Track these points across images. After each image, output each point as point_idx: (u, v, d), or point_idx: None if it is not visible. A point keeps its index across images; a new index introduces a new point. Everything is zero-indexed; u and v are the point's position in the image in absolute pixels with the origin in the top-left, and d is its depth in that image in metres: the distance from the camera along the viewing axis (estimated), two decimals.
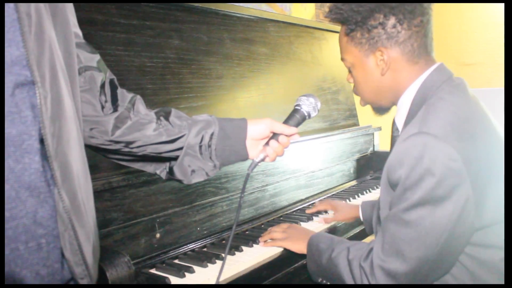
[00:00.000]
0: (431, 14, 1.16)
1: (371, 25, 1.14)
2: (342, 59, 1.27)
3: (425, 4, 1.14)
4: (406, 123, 1.14)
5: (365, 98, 1.26)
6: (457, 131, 1.02)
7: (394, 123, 1.25)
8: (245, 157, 1.14)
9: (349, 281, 1.15)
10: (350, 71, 1.27)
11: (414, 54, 1.15)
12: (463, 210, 0.99)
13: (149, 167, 1.13)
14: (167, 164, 1.12)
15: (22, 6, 0.69)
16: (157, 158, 1.10)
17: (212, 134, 1.08)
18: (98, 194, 1.22)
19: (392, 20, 1.12)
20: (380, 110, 1.28)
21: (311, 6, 3.29)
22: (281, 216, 1.80)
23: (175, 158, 1.09)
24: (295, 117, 1.19)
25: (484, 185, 1.01)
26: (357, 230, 1.83)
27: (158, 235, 1.38)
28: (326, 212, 1.81)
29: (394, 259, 1.05)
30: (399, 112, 1.20)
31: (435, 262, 1.03)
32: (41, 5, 0.73)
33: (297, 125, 1.19)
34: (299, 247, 1.38)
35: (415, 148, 1.00)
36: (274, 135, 1.16)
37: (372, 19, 1.13)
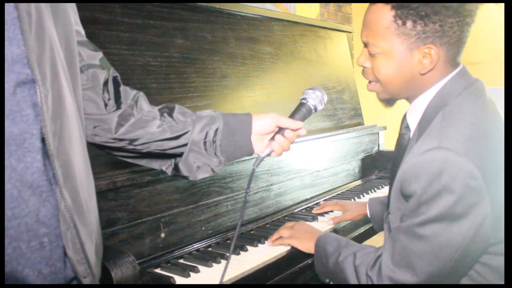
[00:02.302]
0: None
1: (430, 19, 1.02)
2: (369, 44, 1.12)
3: (477, 7, 1.06)
4: (421, 126, 1.09)
5: (386, 88, 1.14)
6: (478, 147, 0.98)
7: (404, 120, 1.21)
8: (250, 153, 1.13)
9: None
10: (372, 55, 1.12)
11: (454, 57, 1.08)
12: (479, 228, 0.97)
13: (154, 164, 1.13)
14: (172, 160, 1.11)
15: (22, 4, 0.69)
16: (162, 155, 1.10)
17: (216, 130, 1.08)
18: (102, 194, 1.22)
19: (451, 19, 1.02)
20: (391, 101, 1.19)
21: (316, 5, 3.29)
22: (286, 216, 1.79)
23: (180, 155, 1.08)
24: (301, 111, 1.18)
25: (502, 201, 0.99)
26: (361, 230, 1.82)
27: (163, 235, 1.38)
28: (332, 212, 1.80)
29: (404, 272, 1.03)
30: (414, 112, 1.14)
31: (446, 276, 1.02)
32: (42, 3, 0.73)
33: (303, 119, 1.18)
34: (307, 246, 1.37)
35: (433, 163, 0.96)
36: (280, 130, 1.15)
37: (437, 14, 1.02)
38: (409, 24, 1.04)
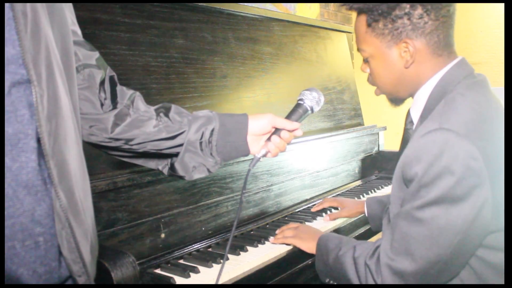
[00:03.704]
0: (455, 4, 1.11)
1: (396, 15, 1.08)
2: (359, 50, 1.20)
3: None
4: (423, 116, 1.10)
5: (383, 89, 1.21)
6: (479, 130, 0.98)
7: (408, 115, 1.22)
8: (246, 153, 1.14)
9: (354, 279, 1.15)
10: (366, 61, 1.20)
11: (440, 46, 1.10)
12: (480, 212, 0.96)
13: (150, 163, 1.13)
14: (169, 160, 1.12)
15: (18, 4, 0.69)
16: (158, 155, 1.10)
17: (212, 130, 1.08)
18: (102, 194, 1.22)
19: (418, 10, 1.07)
20: (397, 101, 1.23)
21: (316, 5, 3.29)
22: (286, 216, 1.79)
23: (176, 155, 1.09)
24: (297, 112, 1.18)
25: (502, 187, 0.98)
26: (362, 230, 1.82)
27: (163, 235, 1.38)
28: (331, 209, 1.80)
29: (403, 258, 1.02)
30: (416, 105, 1.16)
31: (445, 264, 1.00)
32: (38, 3, 0.73)
33: (299, 120, 1.18)
34: (309, 246, 1.38)
35: (434, 144, 0.96)
36: (276, 131, 1.15)
37: (397, 9, 1.07)
38: (380, 24, 1.11)
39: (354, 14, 1.19)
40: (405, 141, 1.24)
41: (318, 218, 1.74)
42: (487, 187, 0.96)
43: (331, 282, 1.25)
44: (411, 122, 1.20)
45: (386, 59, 1.14)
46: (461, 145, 0.95)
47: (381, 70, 1.17)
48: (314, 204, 1.91)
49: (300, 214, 1.82)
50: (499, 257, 1.02)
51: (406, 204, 1.03)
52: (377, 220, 1.63)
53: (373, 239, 1.87)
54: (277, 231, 1.52)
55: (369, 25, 1.13)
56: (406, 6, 1.07)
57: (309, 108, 1.19)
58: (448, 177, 0.95)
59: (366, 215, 1.67)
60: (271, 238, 1.48)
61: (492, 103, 1.06)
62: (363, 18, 1.14)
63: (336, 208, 1.81)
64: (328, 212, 1.79)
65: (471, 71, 1.11)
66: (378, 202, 1.65)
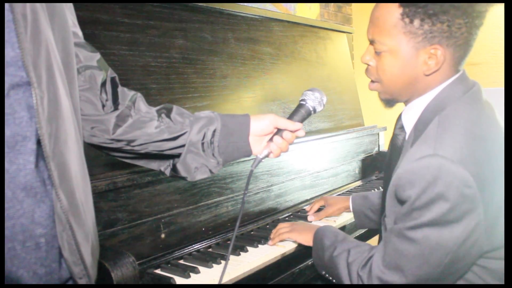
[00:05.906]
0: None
1: (438, 18, 1.00)
2: (375, 41, 1.10)
3: (487, 9, 1.04)
4: (417, 130, 1.08)
5: (387, 89, 1.13)
6: (474, 154, 0.97)
7: (398, 120, 1.20)
8: (248, 154, 1.13)
9: (346, 281, 1.16)
10: (377, 53, 1.11)
11: (460, 61, 1.07)
12: (471, 234, 0.96)
13: (152, 164, 1.13)
14: (171, 161, 1.11)
15: (17, 6, 0.69)
16: (160, 156, 1.10)
17: (214, 131, 1.08)
18: (102, 194, 1.22)
19: (460, 20, 1.00)
20: (393, 102, 1.17)
21: (316, 5, 3.29)
22: (286, 217, 1.79)
23: (178, 155, 1.08)
24: (300, 112, 1.17)
25: (497, 208, 0.98)
26: (362, 230, 1.82)
27: (163, 236, 1.38)
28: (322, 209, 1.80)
29: (393, 273, 1.03)
30: (409, 113, 1.13)
31: (435, 280, 1.01)
32: (38, 5, 0.73)
33: (302, 120, 1.17)
34: (306, 238, 1.38)
35: (428, 170, 0.95)
36: (278, 131, 1.15)
37: (445, 13, 1.00)
38: (416, 22, 1.02)
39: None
40: (393, 147, 1.23)
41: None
42: (480, 211, 0.95)
43: (327, 275, 1.25)
44: (401, 128, 1.18)
45: (408, 60, 1.07)
46: (455, 172, 0.94)
47: (395, 70, 1.09)
48: None
49: (300, 214, 1.82)
50: (500, 265, 1.02)
51: (399, 222, 1.03)
52: (361, 215, 1.64)
53: (374, 239, 1.87)
54: (271, 235, 1.50)
55: (403, 18, 1.04)
56: (452, 12, 1.00)
57: (311, 109, 1.19)
58: (442, 203, 0.95)
59: (351, 210, 1.68)
60: (270, 241, 1.47)
61: (485, 118, 1.05)
62: (397, 9, 1.04)
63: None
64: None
65: (470, 85, 1.08)
66: (362, 198, 1.66)
